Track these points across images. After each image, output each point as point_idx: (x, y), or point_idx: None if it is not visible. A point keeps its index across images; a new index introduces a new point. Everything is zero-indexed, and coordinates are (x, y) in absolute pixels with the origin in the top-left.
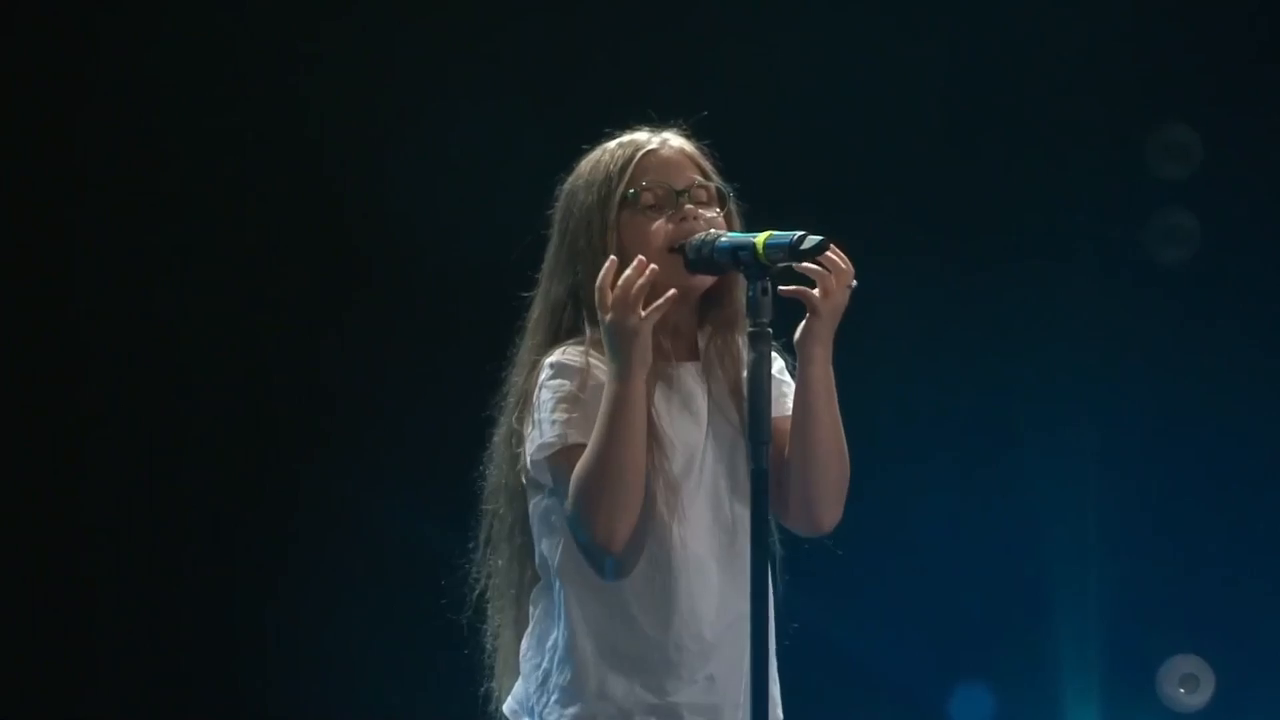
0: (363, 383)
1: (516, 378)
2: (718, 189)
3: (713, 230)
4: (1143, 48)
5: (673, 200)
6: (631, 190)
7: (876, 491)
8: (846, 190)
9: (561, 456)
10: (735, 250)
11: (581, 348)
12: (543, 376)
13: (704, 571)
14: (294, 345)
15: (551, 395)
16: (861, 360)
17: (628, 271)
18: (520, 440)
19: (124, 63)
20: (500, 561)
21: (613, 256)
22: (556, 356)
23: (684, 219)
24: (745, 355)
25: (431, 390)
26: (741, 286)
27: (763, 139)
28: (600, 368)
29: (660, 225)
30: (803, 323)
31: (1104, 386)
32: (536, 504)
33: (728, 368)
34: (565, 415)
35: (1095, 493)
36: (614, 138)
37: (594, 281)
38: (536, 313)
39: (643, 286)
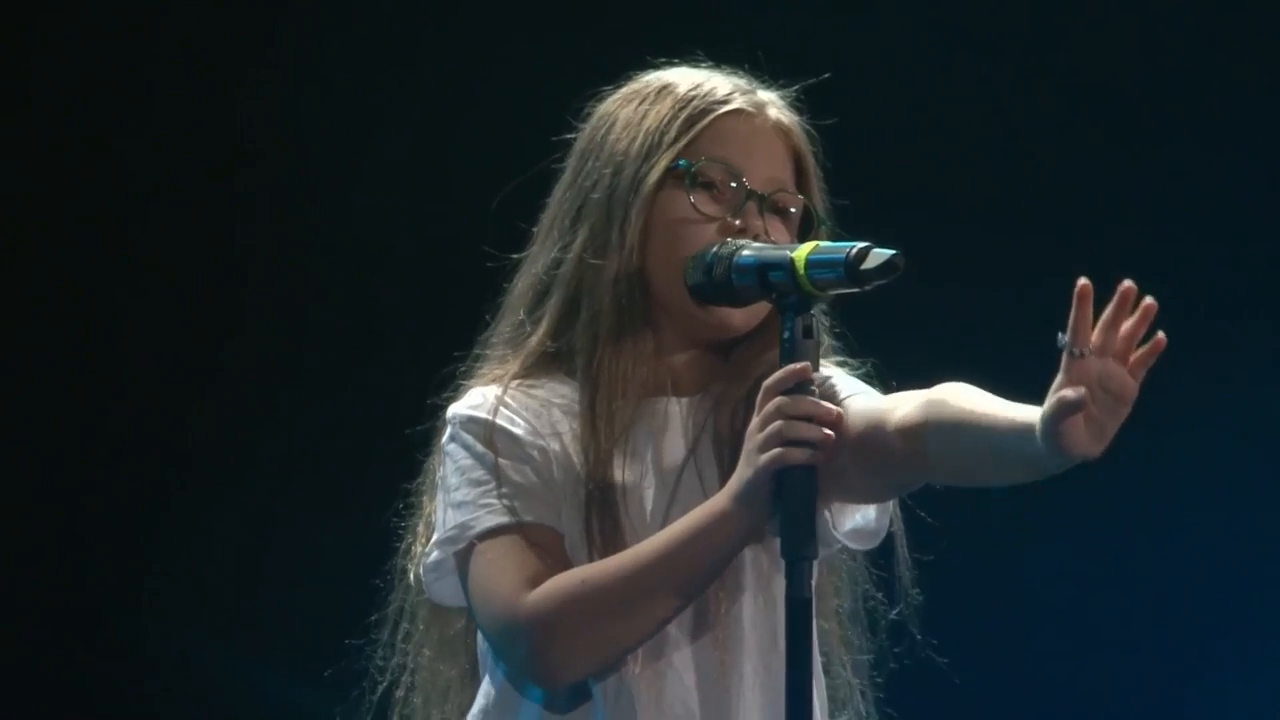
0: None
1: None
2: (808, 208)
3: (730, 240)
4: None
5: (737, 200)
6: (685, 160)
7: None
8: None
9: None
10: (764, 270)
11: (502, 377)
12: (442, 439)
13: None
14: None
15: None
16: None
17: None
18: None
19: None
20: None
21: (804, 364)
22: (461, 405)
23: (742, 230)
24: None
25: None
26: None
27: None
28: (526, 412)
29: (707, 229)
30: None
31: None
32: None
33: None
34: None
35: None
36: (678, 67)
37: (600, 256)
38: (515, 291)
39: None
